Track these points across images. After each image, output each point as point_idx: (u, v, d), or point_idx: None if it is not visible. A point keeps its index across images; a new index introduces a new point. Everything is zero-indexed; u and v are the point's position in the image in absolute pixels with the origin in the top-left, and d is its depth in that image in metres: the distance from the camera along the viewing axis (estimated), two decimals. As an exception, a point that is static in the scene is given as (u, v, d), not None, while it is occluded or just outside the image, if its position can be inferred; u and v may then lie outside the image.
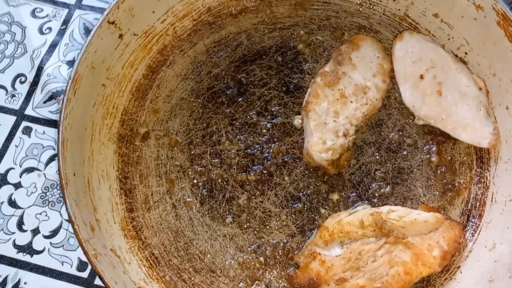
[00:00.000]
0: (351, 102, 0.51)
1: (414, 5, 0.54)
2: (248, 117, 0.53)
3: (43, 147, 0.55)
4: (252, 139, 0.52)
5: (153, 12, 0.52)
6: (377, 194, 0.49)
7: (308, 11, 0.58)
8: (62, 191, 0.40)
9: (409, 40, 0.53)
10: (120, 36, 0.49)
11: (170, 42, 0.55)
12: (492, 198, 0.47)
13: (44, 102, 0.57)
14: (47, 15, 0.61)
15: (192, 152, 0.51)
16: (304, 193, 0.49)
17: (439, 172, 0.50)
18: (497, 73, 0.49)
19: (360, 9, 0.57)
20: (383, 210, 0.46)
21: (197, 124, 0.53)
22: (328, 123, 0.50)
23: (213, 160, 0.51)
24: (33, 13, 0.62)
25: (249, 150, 0.51)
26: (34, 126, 0.56)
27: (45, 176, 0.53)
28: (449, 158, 0.50)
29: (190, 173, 0.50)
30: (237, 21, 0.57)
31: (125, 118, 0.52)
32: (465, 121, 0.50)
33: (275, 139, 0.52)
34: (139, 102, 0.53)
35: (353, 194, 0.49)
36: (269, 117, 0.53)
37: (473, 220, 0.47)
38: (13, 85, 0.58)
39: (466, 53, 0.52)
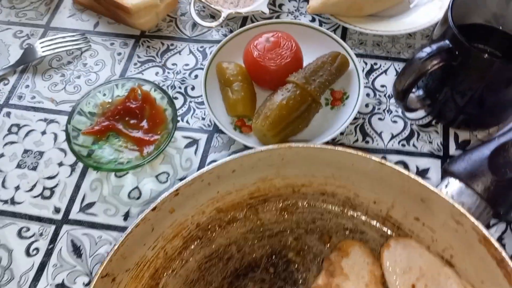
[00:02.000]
0: (348, 319, 0.51)
1: (395, 208, 0.57)
2: None
3: None
4: None
5: (144, 244, 0.52)
6: None
7: (294, 215, 0.59)
8: None
9: (395, 248, 0.54)
10: (113, 280, 0.49)
11: (161, 265, 0.55)
12: None
13: (33, 337, 0.55)
14: (34, 234, 0.61)
15: None
16: None
17: None
18: (485, 282, 0.50)
19: (343, 210, 0.59)
20: None
21: None
22: None
23: None
24: (19, 233, 0.61)
25: None
26: None
27: None
28: None
29: None
30: (226, 232, 0.58)
31: None
32: (462, 331, 0.50)
33: None
34: (133, 337, 0.52)
35: None
36: (267, 339, 0.52)
37: None
38: (-1, 320, 0.56)
39: (451, 256, 0.54)
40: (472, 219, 0.48)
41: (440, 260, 0.54)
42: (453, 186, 0.51)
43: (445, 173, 0.53)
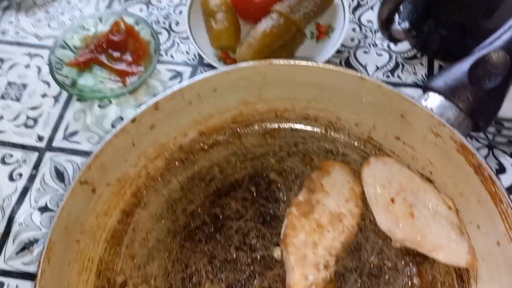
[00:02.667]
0: (328, 231, 0.51)
1: (376, 129, 0.57)
2: (228, 253, 0.52)
3: (16, 305, 0.52)
4: (233, 276, 0.51)
5: (125, 160, 0.53)
6: (365, 327, 0.48)
7: (277, 139, 0.60)
8: None
9: (375, 165, 0.55)
10: (93, 190, 0.49)
11: (143, 184, 0.56)
12: (477, 321, 0.47)
13: (17, 254, 0.55)
14: (17, 161, 0.61)
15: (173, 299, 0.50)
16: (291, 333, 0.48)
17: (422, 296, 0.50)
18: (464, 193, 0.51)
19: (326, 134, 0.59)
20: None
21: (176, 266, 0.52)
22: (307, 256, 0.50)
23: (195, 306, 0.50)
24: (2, 160, 0.61)
25: (231, 290, 0.50)
26: (6, 280, 0.54)
27: (18, 339, 0.51)
28: (430, 278, 0.51)
29: (172, 323, 0.49)
30: (209, 154, 0.59)
31: (101, 268, 0.50)
32: (440, 241, 0.51)
33: (257, 274, 0.51)
34: (115, 249, 0.52)
35: (341, 329, 0.48)
36: (248, 251, 0.52)
37: None
38: (-18, 239, 0.56)
39: (431, 172, 0.54)
40: (450, 127, 0.49)
41: (419, 177, 0.54)
42: (432, 99, 0.52)
43: (425, 89, 0.53)
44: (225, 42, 0.66)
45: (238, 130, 0.60)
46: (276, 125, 0.60)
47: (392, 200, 0.53)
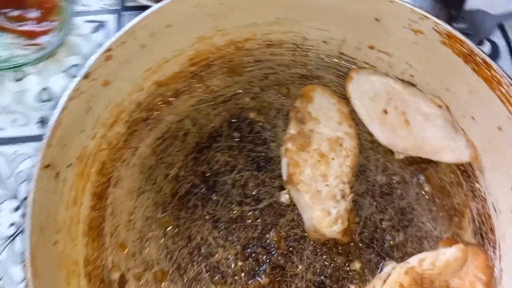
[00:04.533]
0: (333, 159, 0.47)
1: (346, 42, 0.53)
2: (231, 212, 0.46)
3: None
4: (245, 235, 0.45)
5: (82, 131, 0.42)
6: (394, 245, 0.46)
7: (243, 75, 0.53)
8: None
9: (358, 79, 0.51)
10: (57, 175, 0.39)
11: (108, 157, 0.46)
12: (494, 209, 0.47)
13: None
14: None
15: (186, 279, 0.42)
16: (325, 274, 0.44)
17: (436, 200, 0.48)
18: (451, 88, 0.50)
19: (294, 59, 0.54)
20: (413, 263, 0.43)
21: (177, 242, 0.44)
22: (321, 190, 0.45)
23: (214, 278, 0.43)
24: None
25: (248, 250, 0.44)
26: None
27: None
28: (439, 182, 0.50)
29: (194, 304, 0.41)
30: (173, 107, 0.50)
31: (90, 269, 0.41)
32: (439, 142, 0.49)
33: (270, 226, 0.46)
34: (98, 242, 0.42)
35: (372, 255, 0.45)
36: (252, 203, 0.46)
37: (487, 236, 0.47)
38: None
39: (412, 76, 0.52)
40: (434, 18, 0.46)
41: (401, 83, 0.51)
42: (408, -6, 0.48)
43: (397, -14, 0.49)
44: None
45: (199, 73, 0.51)
46: (238, 60, 0.53)
47: (385, 111, 0.50)
